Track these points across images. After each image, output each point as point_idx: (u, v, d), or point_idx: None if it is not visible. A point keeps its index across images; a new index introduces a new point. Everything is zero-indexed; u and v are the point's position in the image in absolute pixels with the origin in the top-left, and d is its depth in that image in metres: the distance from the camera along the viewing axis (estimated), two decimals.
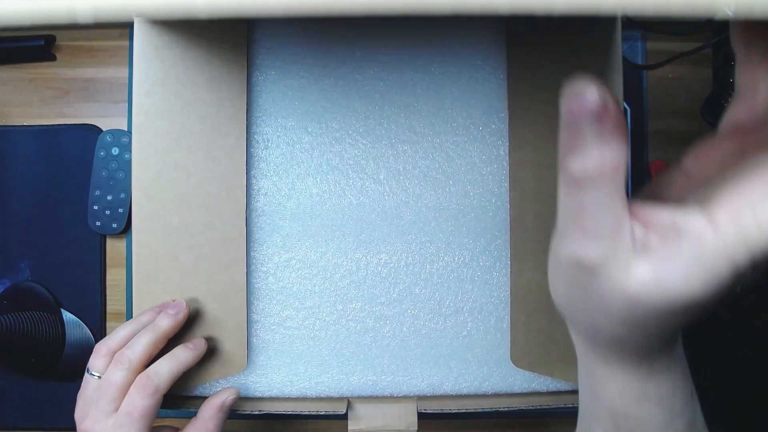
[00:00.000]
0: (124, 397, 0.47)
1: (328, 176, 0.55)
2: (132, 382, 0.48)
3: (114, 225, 0.60)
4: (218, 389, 0.53)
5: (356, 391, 0.55)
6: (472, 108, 0.55)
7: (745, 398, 0.56)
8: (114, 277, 0.62)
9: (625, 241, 0.25)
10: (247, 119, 0.55)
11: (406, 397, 0.55)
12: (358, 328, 0.55)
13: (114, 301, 0.62)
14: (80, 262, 0.61)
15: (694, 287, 0.23)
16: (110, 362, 0.48)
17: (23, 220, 0.61)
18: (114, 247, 0.62)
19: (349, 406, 0.54)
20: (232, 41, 0.53)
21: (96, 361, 0.48)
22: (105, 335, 0.61)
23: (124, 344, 0.49)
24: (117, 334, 0.50)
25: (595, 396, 0.33)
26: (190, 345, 0.51)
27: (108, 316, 0.61)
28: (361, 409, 0.54)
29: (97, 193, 0.60)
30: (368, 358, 0.55)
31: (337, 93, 0.55)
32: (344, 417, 0.54)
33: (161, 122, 0.52)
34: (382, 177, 0.55)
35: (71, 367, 0.60)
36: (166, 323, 0.50)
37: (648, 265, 0.24)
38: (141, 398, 0.47)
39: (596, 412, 0.33)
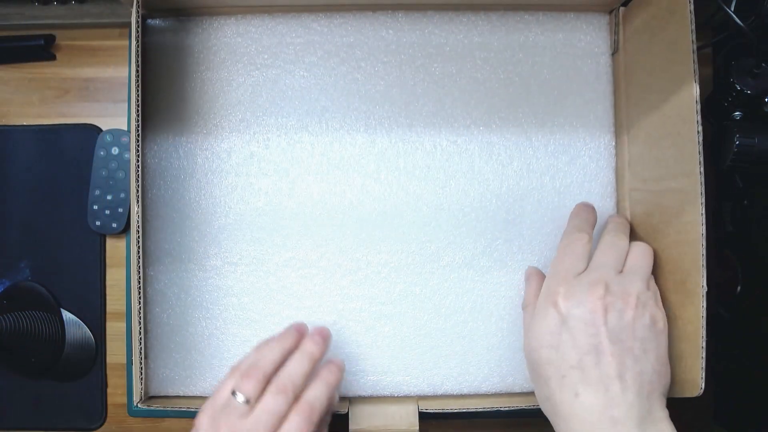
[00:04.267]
0: (279, 425, 0.44)
1: (329, 175, 0.55)
2: (288, 411, 0.44)
3: (114, 225, 0.60)
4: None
5: (357, 391, 0.55)
6: (472, 108, 0.55)
7: (746, 399, 0.56)
8: (114, 276, 0.61)
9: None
10: (246, 118, 0.55)
11: (406, 397, 0.55)
12: (359, 327, 0.55)
13: (114, 301, 0.61)
14: (80, 262, 0.61)
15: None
16: (262, 388, 0.45)
17: (23, 220, 0.61)
18: (114, 246, 0.62)
19: (350, 405, 0.54)
20: None
21: (247, 384, 0.44)
22: (105, 335, 0.61)
23: (275, 368, 0.46)
24: (266, 357, 0.47)
25: None
26: (333, 367, 0.49)
27: (108, 316, 0.61)
28: (362, 409, 0.54)
29: (97, 192, 0.60)
30: (369, 358, 0.55)
31: (338, 92, 0.55)
32: (345, 417, 0.54)
33: None
34: (382, 176, 0.55)
35: (71, 367, 0.60)
36: (318, 351, 0.48)
37: None
38: (305, 426, 0.44)
39: None
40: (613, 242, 0.47)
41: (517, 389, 0.55)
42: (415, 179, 0.55)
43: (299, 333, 0.50)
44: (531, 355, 0.45)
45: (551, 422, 0.44)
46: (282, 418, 0.44)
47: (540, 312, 0.45)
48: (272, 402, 0.44)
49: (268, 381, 0.45)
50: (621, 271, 0.45)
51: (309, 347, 0.48)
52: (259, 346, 0.48)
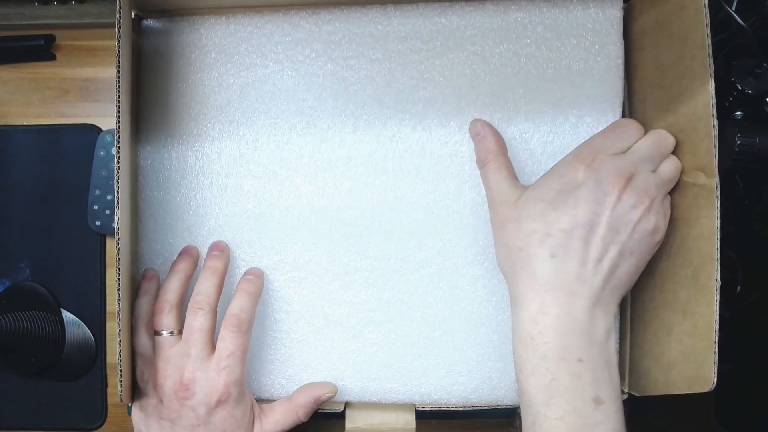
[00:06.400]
0: (213, 341, 0.49)
1: (317, 178, 0.54)
2: (214, 326, 0.49)
3: (114, 225, 0.60)
4: None
5: (344, 397, 0.54)
6: (464, 108, 0.53)
7: (746, 398, 0.57)
8: (114, 276, 0.61)
9: None
10: (236, 119, 0.54)
11: (395, 405, 0.54)
12: (346, 333, 0.54)
13: (114, 301, 0.61)
14: (80, 262, 0.61)
15: None
16: (177, 316, 0.50)
17: (23, 220, 0.61)
18: (114, 247, 0.62)
19: (346, 404, 0.54)
20: None
21: (163, 320, 0.49)
22: (105, 335, 0.61)
23: (180, 296, 0.51)
24: (168, 288, 0.51)
25: None
26: (250, 276, 0.52)
27: (108, 316, 0.61)
28: (359, 408, 0.54)
29: (97, 192, 0.60)
30: (356, 364, 0.54)
31: (327, 93, 0.53)
32: (341, 416, 0.54)
33: None
34: (370, 179, 0.53)
35: (71, 367, 0.61)
36: (221, 264, 0.52)
37: None
38: (237, 337, 0.48)
39: None
40: (665, 138, 0.46)
41: (508, 401, 0.53)
42: (405, 182, 0.53)
43: (190, 256, 0.53)
44: (526, 204, 0.44)
45: (509, 275, 0.45)
46: (210, 333, 0.49)
47: (557, 171, 0.45)
48: (192, 320, 0.49)
49: (179, 308, 0.50)
50: (653, 171, 0.45)
51: (209, 263, 0.52)
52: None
